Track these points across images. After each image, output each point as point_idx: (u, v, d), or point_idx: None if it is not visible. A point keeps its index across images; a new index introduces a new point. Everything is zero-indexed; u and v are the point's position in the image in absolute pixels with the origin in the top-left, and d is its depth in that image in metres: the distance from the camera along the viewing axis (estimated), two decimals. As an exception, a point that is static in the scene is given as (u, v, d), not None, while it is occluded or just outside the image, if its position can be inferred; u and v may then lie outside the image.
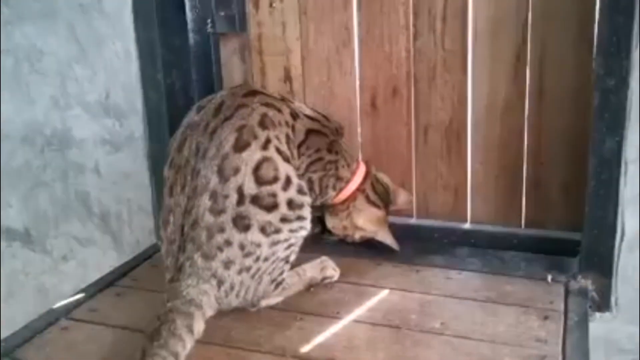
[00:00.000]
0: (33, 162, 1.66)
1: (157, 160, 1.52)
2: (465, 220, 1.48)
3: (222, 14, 1.50)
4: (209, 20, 1.50)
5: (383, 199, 1.39)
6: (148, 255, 1.46)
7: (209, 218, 1.10)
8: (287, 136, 1.20)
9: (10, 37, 1.57)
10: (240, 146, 1.11)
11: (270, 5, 1.49)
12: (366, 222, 1.39)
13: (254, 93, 1.20)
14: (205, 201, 1.10)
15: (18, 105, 1.62)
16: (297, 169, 1.22)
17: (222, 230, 1.10)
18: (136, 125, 1.52)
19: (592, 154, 1.20)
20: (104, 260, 1.66)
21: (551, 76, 1.33)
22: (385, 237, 1.39)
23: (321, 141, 1.30)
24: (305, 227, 1.18)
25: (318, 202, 1.34)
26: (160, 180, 1.52)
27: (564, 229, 1.39)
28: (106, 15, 1.46)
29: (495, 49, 1.36)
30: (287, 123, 1.21)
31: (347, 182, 1.36)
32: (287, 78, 1.53)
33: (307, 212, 1.18)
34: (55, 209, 1.68)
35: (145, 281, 1.34)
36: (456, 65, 1.39)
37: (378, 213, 1.39)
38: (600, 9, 1.17)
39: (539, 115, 1.36)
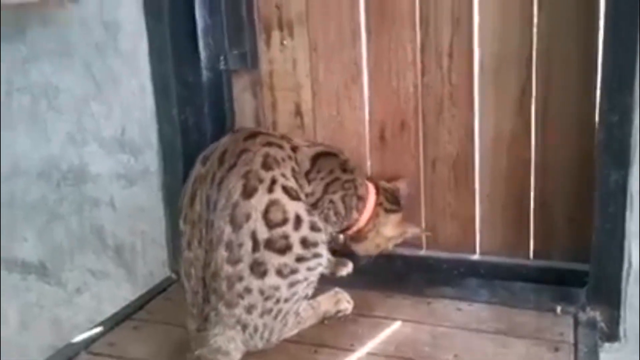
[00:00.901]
0: (49, 196, 1.70)
1: (171, 194, 1.55)
2: (474, 252, 1.50)
3: (235, 51, 1.54)
4: (221, 58, 1.54)
5: (395, 202, 1.43)
6: (162, 289, 1.48)
7: (227, 268, 1.13)
8: (293, 170, 1.22)
9: (27, 75, 1.62)
10: (248, 192, 1.14)
11: (281, 43, 1.53)
12: (394, 229, 1.42)
13: (254, 135, 1.22)
14: (222, 252, 1.13)
15: (35, 141, 1.67)
16: (311, 194, 1.25)
17: (241, 278, 1.12)
18: (151, 159, 1.55)
19: (598, 187, 1.22)
20: (118, 292, 1.68)
21: (556, 110, 1.36)
22: (414, 232, 1.44)
23: (333, 162, 1.32)
24: (322, 264, 1.20)
25: (344, 226, 1.36)
26: (174, 213, 1.57)
27: (571, 260, 1.40)
28: (122, 53, 1.50)
29: (501, 84, 1.39)
30: (290, 157, 1.23)
31: (365, 201, 1.38)
32: (298, 113, 1.57)
33: (322, 249, 1.20)
34: (71, 242, 1.72)
35: (160, 314, 1.36)
36: (463, 100, 1.43)
37: (398, 217, 1.42)
38: (604, 46, 1.21)
39: (544, 148, 1.39)
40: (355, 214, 1.37)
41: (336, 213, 1.31)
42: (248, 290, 1.12)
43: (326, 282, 1.29)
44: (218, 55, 1.54)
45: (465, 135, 1.44)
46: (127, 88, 1.52)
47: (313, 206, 1.26)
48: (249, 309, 1.13)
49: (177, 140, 1.52)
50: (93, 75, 1.54)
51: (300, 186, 1.22)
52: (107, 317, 1.37)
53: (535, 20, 1.32)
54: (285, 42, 1.53)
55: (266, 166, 1.16)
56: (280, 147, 1.23)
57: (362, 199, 1.37)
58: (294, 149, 1.27)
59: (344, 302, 1.30)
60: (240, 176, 1.15)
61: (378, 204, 1.40)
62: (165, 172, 1.55)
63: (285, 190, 1.16)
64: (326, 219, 1.29)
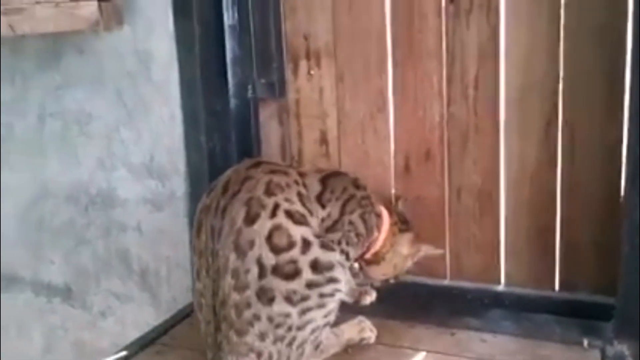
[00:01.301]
0: (77, 220, 1.73)
1: (196, 220, 1.57)
2: (498, 282, 1.49)
3: (263, 80, 1.57)
4: (249, 87, 1.58)
5: (405, 221, 1.43)
6: (186, 314, 1.48)
7: (234, 296, 1.12)
8: (300, 194, 1.20)
9: (60, 101, 1.67)
10: (251, 218, 1.13)
11: (309, 72, 1.56)
12: (410, 247, 1.41)
13: (257, 164, 1.23)
14: (228, 280, 1.12)
15: (65, 166, 1.71)
16: (327, 217, 1.25)
17: (248, 305, 1.12)
18: (178, 185, 1.58)
19: (625, 220, 1.22)
20: (142, 317, 1.70)
21: (582, 141, 1.36)
22: (428, 250, 1.43)
23: (344, 180, 1.32)
24: (339, 290, 1.17)
25: (364, 247, 1.34)
26: (199, 239, 1.59)
27: (598, 292, 1.39)
28: (153, 82, 1.54)
29: (526, 114, 1.40)
30: (296, 182, 1.21)
31: (382, 219, 1.37)
32: (324, 141, 1.58)
33: (339, 273, 1.17)
34: (96, 266, 1.74)
35: (184, 339, 1.37)
36: (488, 130, 1.43)
37: (411, 235, 1.42)
38: (631, 77, 1.21)
39: (570, 178, 1.39)
40: (375, 233, 1.35)
41: (357, 234, 1.29)
42: (257, 317, 1.12)
43: (349, 310, 1.28)
44: (246, 84, 1.58)
45: (490, 165, 1.45)
46: (157, 115, 1.55)
47: (330, 229, 1.25)
48: (261, 336, 1.12)
49: (204, 167, 1.55)
50: (124, 102, 1.58)
51: (310, 211, 1.20)
52: (132, 341, 1.38)
53: (561, 51, 1.33)
54: (312, 71, 1.56)
55: (269, 192, 1.15)
56: (285, 173, 1.22)
57: (379, 216, 1.36)
58: (302, 174, 1.26)
59: (368, 330, 1.30)
60: (242, 203, 1.14)
61: (393, 223, 1.39)
62: (191, 198, 1.58)
63: (289, 214, 1.14)
64: (348, 242, 1.27)
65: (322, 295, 1.15)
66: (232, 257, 1.12)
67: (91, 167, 1.67)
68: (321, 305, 1.15)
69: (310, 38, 1.54)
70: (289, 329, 1.13)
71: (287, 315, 1.13)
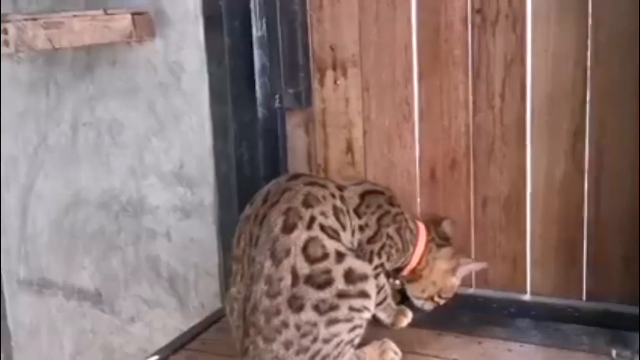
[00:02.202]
0: (108, 226, 1.77)
1: (224, 227, 1.60)
2: (524, 292, 1.49)
3: (290, 90, 1.59)
4: (277, 96, 1.60)
5: (445, 237, 1.43)
6: (215, 320, 1.51)
7: (265, 302, 1.14)
8: (335, 207, 1.22)
9: (93, 111, 1.71)
10: (288, 228, 1.16)
11: (335, 82, 1.58)
12: (448, 262, 1.40)
13: (296, 176, 1.27)
14: (261, 286, 1.14)
15: (97, 174, 1.75)
16: (366, 226, 1.27)
17: (278, 312, 1.13)
18: (206, 193, 1.61)
19: (654, 230, 1.21)
20: (169, 322, 1.73)
21: (610, 152, 1.36)
22: (469, 264, 1.42)
23: (379, 198, 1.34)
24: (369, 308, 1.18)
25: (400, 263, 1.36)
26: (227, 246, 1.62)
27: (626, 302, 1.38)
28: (184, 93, 1.57)
29: (554, 125, 1.40)
30: (333, 195, 1.24)
31: (417, 236, 1.39)
32: (349, 150, 1.60)
33: (370, 288, 1.18)
34: (126, 272, 1.77)
35: (214, 345, 1.39)
36: (514, 140, 1.44)
37: (450, 250, 1.42)
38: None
39: (598, 189, 1.38)
40: (411, 249, 1.37)
41: (397, 250, 1.32)
42: (285, 324, 1.13)
43: (374, 326, 1.28)
44: (274, 94, 1.60)
45: (516, 175, 1.45)
46: (187, 125, 1.59)
47: (371, 240, 1.28)
48: (287, 345, 1.13)
49: (232, 175, 1.58)
50: (155, 112, 1.61)
51: (344, 225, 1.22)
52: (163, 345, 1.40)
53: (589, 63, 1.34)
54: (338, 81, 1.58)
55: (306, 204, 1.18)
56: (323, 186, 1.24)
57: (413, 232, 1.38)
58: (340, 187, 1.28)
59: (391, 352, 1.27)
60: (281, 213, 1.17)
61: (430, 240, 1.40)
62: (219, 205, 1.61)
63: (323, 228, 1.17)
64: (388, 257, 1.31)
65: (351, 309, 1.15)
66: (268, 263, 1.15)
67: (122, 175, 1.71)
68: (349, 319, 1.15)
69: (336, 48, 1.56)
70: (315, 339, 1.14)
71: (314, 325, 1.13)
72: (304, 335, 1.13)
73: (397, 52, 1.50)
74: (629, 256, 1.37)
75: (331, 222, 1.19)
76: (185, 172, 1.62)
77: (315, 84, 1.60)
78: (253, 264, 1.17)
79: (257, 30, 1.55)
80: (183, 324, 1.64)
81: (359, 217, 1.28)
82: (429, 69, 1.49)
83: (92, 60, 1.67)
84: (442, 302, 1.42)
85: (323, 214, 1.19)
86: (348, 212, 1.25)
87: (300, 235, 1.15)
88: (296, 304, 1.13)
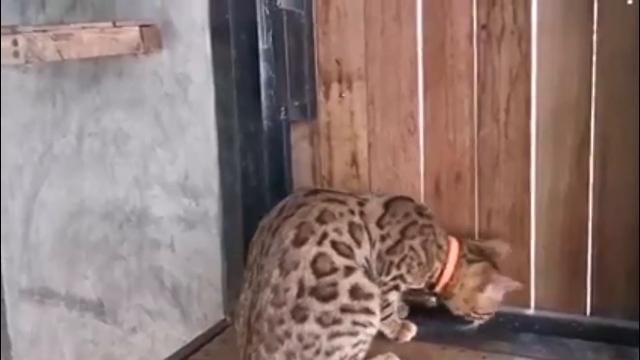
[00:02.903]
0: (111, 236, 1.77)
1: (229, 238, 1.60)
2: (528, 306, 1.49)
3: (296, 103, 1.60)
4: (282, 109, 1.61)
5: (479, 253, 1.39)
6: (218, 331, 1.51)
7: (270, 310, 1.15)
8: (351, 224, 1.24)
9: (99, 122, 1.72)
10: (299, 241, 1.18)
11: (340, 95, 1.59)
12: (477, 279, 1.36)
13: (316, 192, 1.29)
14: (267, 294, 1.16)
15: (101, 184, 1.75)
16: (387, 236, 1.27)
17: (281, 321, 1.14)
18: (211, 204, 1.61)
19: (659, 245, 1.22)
20: (172, 333, 1.72)
21: (615, 166, 1.36)
22: (502, 283, 1.36)
23: (407, 205, 1.34)
24: (372, 324, 1.18)
25: (427, 279, 1.35)
26: (231, 257, 1.62)
27: (631, 318, 1.38)
28: (190, 104, 1.58)
29: (558, 139, 1.41)
30: (351, 211, 1.26)
31: (448, 252, 1.36)
32: (354, 162, 1.61)
33: (375, 306, 1.18)
34: (129, 282, 1.77)
35: (217, 356, 1.39)
36: (519, 154, 1.44)
37: (480, 265, 1.37)
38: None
39: (602, 204, 1.39)
40: (437, 264, 1.35)
41: (419, 263, 1.31)
42: (288, 334, 1.13)
43: (379, 340, 1.28)
44: (279, 106, 1.61)
45: (521, 188, 1.45)
46: (193, 136, 1.59)
47: (390, 251, 1.28)
48: (289, 356, 1.14)
49: (237, 187, 1.58)
50: (161, 123, 1.62)
51: (359, 242, 1.23)
52: (167, 357, 1.40)
53: (593, 76, 1.35)
54: (343, 94, 1.58)
55: (320, 220, 1.20)
56: (342, 202, 1.26)
57: (442, 248, 1.35)
58: (362, 202, 1.29)
59: None
60: (294, 226, 1.19)
61: (461, 256, 1.37)
62: (224, 216, 1.61)
63: (334, 245, 1.19)
64: (409, 270, 1.30)
65: (355, 323, 1.16)
66: (275, 273, 1.16)
67: (127, 185, 1.71)
68: (352, 333, 1.16)
69: (342, 62, 1.57)
70: (317, 352, 1.14)
71: (317, 337, 1.14)
72: (306, 347, 1.14)
73: (402, 66, 1.51)
74: (633, 271, 1.37)
75: (345, 238, 1.21)
76: (190, 182, 1.63)
77: (320, 97, 1.61)
78: (261, 272, 1.19)
79: (264, 43, 1.56)
80: (186, 335, 1.64)
81: (382, 228, 1.28)
82: (434, 83, 1.49)
83: (99, 71, 1.67)
84: (482, 318, 1.38)
85: (337, 230, 1.20)
86: (366, 227, 1.26)
87: (310, 250, 1.17)
88: (300, 315, 1.14)
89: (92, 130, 1.72)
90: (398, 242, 1.29)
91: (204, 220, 1.63)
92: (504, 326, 1.46)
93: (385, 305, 1.31)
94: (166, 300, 1.72)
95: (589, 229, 1.41)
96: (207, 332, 1.51)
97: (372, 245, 1.26)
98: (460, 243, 1.40)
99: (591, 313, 1.43)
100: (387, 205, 1.32)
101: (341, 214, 1.23)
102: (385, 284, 1.30)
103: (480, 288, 1.36)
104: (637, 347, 1.31)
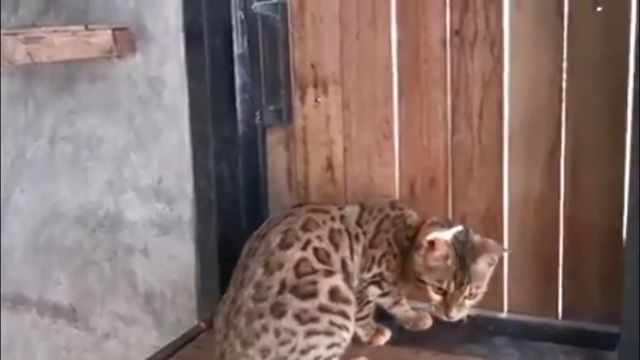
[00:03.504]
0: (84, 242, 1.75)
1: (203, 243, 1.59)
2: (501, 310, 1.50)
3: (271, 107, 1.60)
4: (257, 113, 1.61)
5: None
6: (192, 337, 1.50)
7: (250, 304, 1.18)
8: (331, 230, 1.28)
9: (72, 126, 1.70)
10: (285, 245, 1.23)
11: (316, 100, 1.59)
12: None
13: (302, 205, 1.36)
14: (249, 290, 1.19)
15: (74, 188, 1.73)
16: (367, 232, 1.32)
17: (261, 316, 1.16)
18: (185, 209, 1.60)
19: (628, 249, 1.23)
20: (145, 339, 1.71)
21: (585, 171, 1.38)
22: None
23: (382, 201, 1.39)
24: (348, 329, 1.20)
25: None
26: (205, 262, 1.61)
27: (602, 321, 1.39)
28: (164, 108, 1.57)
29: (530, 144, 1.42)
30: (332, 218, 1.30)
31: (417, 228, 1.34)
32: (329, 167, 1.61)
33: (351, 313, 1.20)
34: (102, 288, 1.75)
35: (190, 362, 1.38)
36: (492, 158, 1.46)
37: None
38: (633, 110, 1.24)
39: (573, 207, 1.40)
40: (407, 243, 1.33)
41: (394, 255, 1.32)
42: (265, 329, 1.15)
43: (352, 344, 1.27)
44: (254, 110, 1.61)
45: (494, 192, 1.46)
46: (167, 140, 1.58)
47: (372, 245, 1.31)
48: (264, 352, 1.14)
49: (211, 192, 1.57)
50: (135, 127, 1.61)
51: (337, 245, 1.27)
52: (139, 363, 1.39)
53: (564, 82, 1.36)
54: (319, 99, 1.58)
55: (305, 228, 1.26)
56: (326, 212, 1.31)
57: (411, 226, 1.34)
58: (341, 207, 1.35)
59: None
60: (280, 232, 1.25)
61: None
62: (198, 222, 1.60)
63: (316, 252, 1.24)
64: (388, 266, 1.32)
65: (332, 323, 1.18)
66: (260, 271, 1.20)
67: (100, 190, 1.69)
68: (329, 333, 1.17)
69: (318, 66, 1.57)
70: (293, 349, 1.15)
71: (294, 334, 1.15)
72: (282, 344, 1.14)
73: (377, 71, 1.52)
74: (604, 275, 1.39)
75: (325, 244, 1.25)
76: (163, 187, 1.61)
77: (296, 101, 1.61)
78: (246, 271, 1.23)
79: (239, 47, 1.56)
80: (159, 341, 1.62)
81: (361, 226, 1.33)
82: (409, 88, 1.50)
83: (72, 74, 1.66)
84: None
85: (318, 237, 1.25)
86: (347, 229, 1.30)
87: (294, 254, 1.21)
88: (278, 310, 1.16)
89: (65, 134, 1.71)
90: (375, 235, 1.32)
91: (178, 225, 1.61)
92: (478, 330, 1.47)
93: (365, 302, 1.33)
94: (139, 306, 1.71)
95: (560, 233, 1.43)
96: (181, 338, 1.50)
97: (357, 241, 1.31)
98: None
99: (563, 316, 1.45)
100: (362, 205, 1.36)
101: (324, 222, 1.29)
102: (364, 280, 1.32)
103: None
104: (608, 350, 1.33)
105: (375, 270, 1.32)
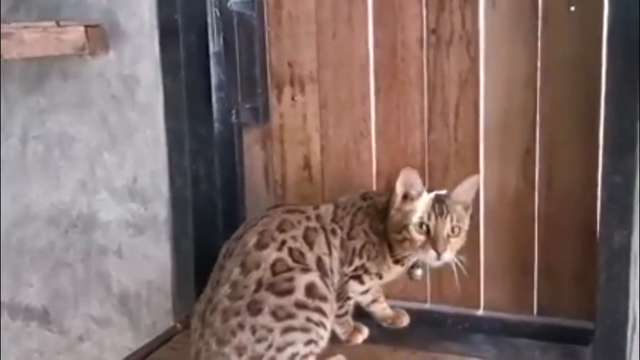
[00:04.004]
0: (57, 242, 1.72)
1: (179, 243, 1.58)
2: (478, 307, 1.51)
3: (247, 106, 1.59)
4: (233, 112, 1.59)
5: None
6: (167, 338, 1.48)
7: (226, 303, 1.17)
8: (307, 229, 1.28)
9: (43, 124, 1.67)
10: (261, 245, 1.23)
11: (293, 98, 1.58)
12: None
13: (277, 206, 1.36)
14: (225, 289, 1.19)
15: (46, 189, 1.70)
16: (344, 226, 1.31)
17: (237, 313, 1.15)
18: (160, 209, 1.58)
19: (601, 246, 1.25)
20: (120, 341, 1.68)
21: (560, 169, 1.40)
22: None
23: (353, 196, 1.38)
24: (325, 326, 1.19)
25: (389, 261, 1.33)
26: (181, 263, 1.59)
27: (577, 317, 1.41)
28: (138, 106, 1.55)
29: (506, 142, 1.43)
30: (308, 218, 1.30)
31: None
32: (307, 166, 1.60)
33: (328, 310, 1.20)
34: (76, 290, 1.72)
35: (166, 364, 1.36)
36: (468, 157, 1.47)
37: None
38: (605, 110, 1.26)
39: (548, 206, 1.42)
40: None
41: (373, 244, 1.31)
42: (241, 326, 1.14)
43: (330, 342, 1.27)
44: (230, 109, 1.59)
45: (470, 191, 1.48)
46: (142, 139, 1.56)
47: (350, 236, 1.30)
48: (240, 350, 1.13)
49: (187, 191, 1.55)
50: (109, 126, 1.58)
51: (311, 244, 1.26)
52: (113, 366, 1.37)
53: (538, 82, 1.38)
54: (296, 97, 1.58)
55: (280, 229, 1.26)
56: (301, 212, 1.31)
57: (384, 210, 1.33)
58: (317, 206, 1.34)
59: None
60: (256, 233, 1.25)
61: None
62: (174, 221, 1.58)
63: (291, 252, 1.24)
64: (369, 256, 1.31)
65: (308, 320, 1.17)
66: (236, 271, 1.20)
67: (73, 190, 1.66)
68: (305, 329, 1.16)
69: (294, 65, 1.56)
70: (269, 346, 1.14)
71: (270, 330, 1.14)
72: (258, 341, 1.14)
73: (354, 70, 1.52)
74: (579, 272, 1.41)
75: (299, 244, 1.25)
76: (138, 187, 1.59)
77: (272, 100, 1.60)
78: (222, 271, 1.23)
79: (214, 45, 1.54)
80: (134, 343, 1.60)
81: (337, 222, 1.32)
82: (386, 87, 1.50)
83: (43, 72, 1.62)
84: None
85: (293, 237, 1.25)
86: (323, 227, 1.30)
87: (271, 254, 1.21)
88: (255, 308, 1.15)
89: (37, 133, 1.67)
90: (351, 228, 1.31)
91: (153, 225, 1.59)
92: (455, 327, 1.48)
93: (345, 298, 1.33)
94: (114, 308, 1.68)
95: (535, 231, 1.44)
96: (156, 340, 1.48)
97: (334, 235, 1.30)
98: None
99: (539, 313, 1.46)
100: (336, 203, 1.35)
101: (299, 222, 1.28)
102: (346, 274, 1.31)
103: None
104: (584, 346, 1.34)
105: (357, 262, 1.31)
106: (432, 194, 1.27)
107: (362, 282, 1.33)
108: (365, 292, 1.37)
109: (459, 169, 1.47)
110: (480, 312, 1.51)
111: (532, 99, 1.39)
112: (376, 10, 1.48)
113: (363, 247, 1.31)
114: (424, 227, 1.23)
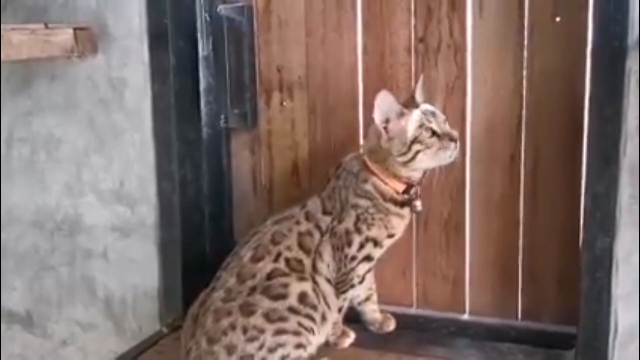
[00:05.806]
0: (41, 246, 1.70)
1: (166, 247, 1.57)
2: (463, 312, 1.53)
3: (236, 111, 1.59)
4: (222, 116, 1.60)
5: None
6: (154, 342, 1.47)
7: (219, 304, 1.20)
8: (299, 234, 1.30)
9: (29, 127, 1.65)
10: (256, 258, 1.26)
11: (281, 103, 1.59)
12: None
13: (265, 220, 1.37)
14: (220, 293, 1.22)
15: (32, 191, 1.68)
16: (334, 208, 1.32)
17: (229, 314, 1.17)
18: (147, 212, 1.57)
19: (584, 252, 1.27)
20: (105, 345, 1.67)
21: (544, 176, 1.42)
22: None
23: (331, 182, 1.37)
24: (314, 333, 1.22)
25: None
26: (168, 267, 1.59)
27: (560, 322, 1.43)
28: (126, 109, 1.54)
29: (491, 150, 1.45)
30: (297, 222, 1.31)
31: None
32: (295, 171, 1.61)
33: (318, 319, 1.23)
34: (60, 293, 1.71)
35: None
36: (454, 163, 1.47)
37: None
38: (589, 118, 1.28)
39: (533, 212, 1.44)
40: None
41: (367, 209, 1.29)
42: (232, 327, 1.16)
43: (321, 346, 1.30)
44: (219, 113, 1.59)
45: (457, 197, 1.49)
46: (129, 142, 1.55)
47: (341, 219, 1.30)
48: (229, 349, 1.14)
49: (174, 195, 1.55)
50: (96, 129, 1.58)
51: (307, 250, 1.28)
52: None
53: (524, 92, 1.40)
54: (285, 103, 1.58)
55: (274, 241, 1.28)
56: (289, 218, 1.32)
57: (361, 170, 1.32)
58: (304, 205, 1.35)
59: None
60: (251, 248, 1.28)
61: None
62: (161, 225, 1.57)
63: (287, 262, 1.26)
64: (369, 225, 1.29)
65: (300, 324, 1.20)
66: (232, 280, 1.23)
67: (58, 192, 1.65)
68: (297, 333, 1.18)
69: (283, 70, 1.57)
70: (260, 347, 1.16)
71: (262, 331, 1.16)
72: (249, 341, 1.16)
73: (343, 75, 1.53)
74: (563, 277, 1.43)
75: (294, 253, 1.27)
76: (125, 190, 1.58)
77: (261, 105, 1.60)
78: (218, 281, 1.25)
79: (203, 49, 1.54)
80: (119, 347, 1.59)
81: (330, 213, 1.32)
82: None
83: (30, 74, 1.61)
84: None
85: (288, 247, 1.27)
86: (317, 224, 1.30)
87: (266, 265, 1.24)
88: (248, 310, 1.18)
89: (22, 135, 1.66)
90: (342, 210, 1.31)
91: (140, 229, 1.59)
92: (440, 331, 1.50)
93: (350, 285, 1.31)
94: (99, 312, 1.67)
95: (520, 237, 1.46)
96: (141, 344, 1.48)
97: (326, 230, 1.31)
98: None
99: (523, 318, 1.48)
100: (320, 195, 1.35)
101: (290, 230, 1.30)
102: (354, 257, 1.30)
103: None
104: (568, 351, 1.36)
105: (358, 239, 1.29)
106: (417, 108, 1.29)
107: (370, 260, 1.32)
108: (368, 271, 1.35)
109: (445, 175, 1.48)
110: (465, 316, 1.52)
111: (517, 107, 1.41)
112: (365, 18, 1.49)
113: (358, 219, 1.29)
114: (430, 131, 1.27)
